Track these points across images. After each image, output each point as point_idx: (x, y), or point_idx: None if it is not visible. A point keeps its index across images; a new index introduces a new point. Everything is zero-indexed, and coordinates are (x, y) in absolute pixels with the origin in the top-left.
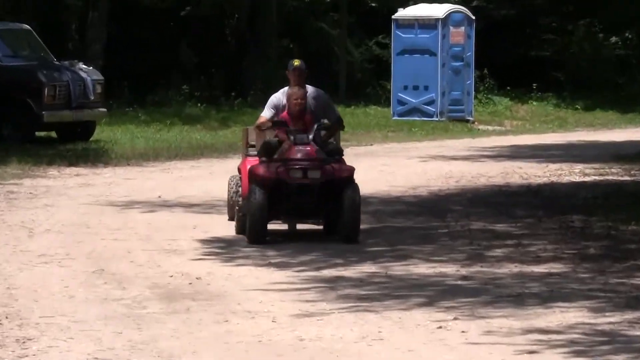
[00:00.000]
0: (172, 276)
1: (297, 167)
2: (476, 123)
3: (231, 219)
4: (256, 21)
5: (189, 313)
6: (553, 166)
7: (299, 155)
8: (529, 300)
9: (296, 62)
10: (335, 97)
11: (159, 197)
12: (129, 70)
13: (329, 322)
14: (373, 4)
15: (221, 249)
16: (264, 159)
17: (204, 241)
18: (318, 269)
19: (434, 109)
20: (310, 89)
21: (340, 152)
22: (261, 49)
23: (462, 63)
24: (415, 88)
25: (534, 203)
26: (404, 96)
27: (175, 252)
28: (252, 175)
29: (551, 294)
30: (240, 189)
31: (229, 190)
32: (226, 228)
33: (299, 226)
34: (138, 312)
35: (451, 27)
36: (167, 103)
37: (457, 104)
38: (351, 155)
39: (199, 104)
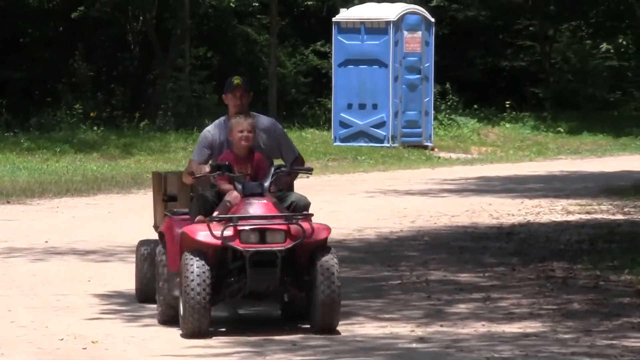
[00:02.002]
0: (62, 339)
1: (251, 228)
2: (436, 150)
3: (143, 300)
4: (165, 25)
5: None
6: (530, 202)
7: (252, 212)
8: None
9: (237, 80)
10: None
11: (46, 242)
12: (8, 86)
13: None
14: (309, 2)
15: (122, 305)
16: (200, 217)
17: (102, 296)
18: (242, 330)
19: (384, 133)
20: (258, 117)
21: (306, 206)
22: (171, 59)
23: (419, 76)
24: (362, 107)
25: (506, 248)
26: (347, 117)
27: (67, 310)
28: (187, 241)
29: (526, 358)
30: (164, 261)
31: (139, 262)
32: (128, 280)
33: None
34: None
35: (405, 32)
36: (55, 126)
37: (413, 127)
38: None
39: (96, 127)
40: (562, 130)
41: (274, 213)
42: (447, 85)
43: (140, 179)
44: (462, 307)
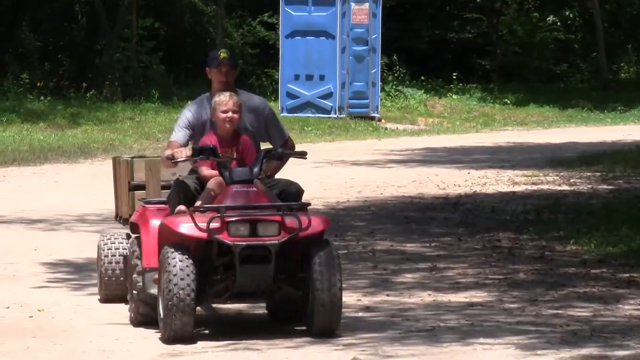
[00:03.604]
0: (8, 308)
1: (240, 219)
2: (383, 121)
3: (108, 300)
4: None
5: (28, 353)
6: (476, 173)
7: (240, 201)
8: (444, 335)
9: (223, 54)
10: (210, 89)
11: None
12: None
13: None
14: None
15: (69, 274)
16: (181, 208)
17: (48, 265)
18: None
19: (331, 104)
20: (244, 95)
21: (299, 194)
22: (118, 30)
23: (366, 47)
24: (309, 78)
25: (452, 218)
26: (294, 88)
27: (13, 279)
28: (167, 234)
29: (472, 327)
30: (137, 256)
31: (101, 258)
32: (75, 249)
33: None
34: None
35: (353, 4)
36: (2, 96)
37: (360, 98)
38: None
39: (43, 97)
40: (508, 101)
41: (266, 202)
42: (394, 57)
43: (87, 149)
44: (408, 277)
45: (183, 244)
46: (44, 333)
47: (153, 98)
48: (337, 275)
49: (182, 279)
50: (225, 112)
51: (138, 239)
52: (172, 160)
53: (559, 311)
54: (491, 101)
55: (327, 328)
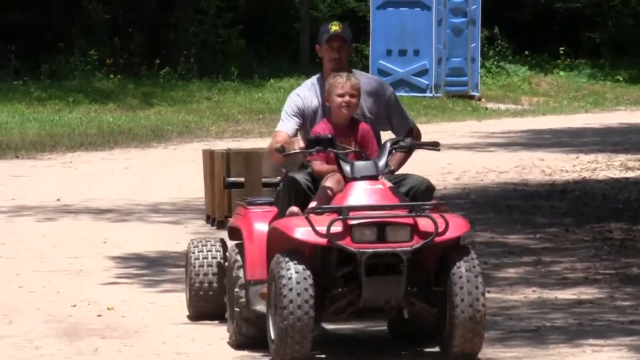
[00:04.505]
0: (75, 306)
1: (366, 222)
2: (483, 100)
3: (199, 316)
4: None
5: (97, 355)
6: (585, 158)
7: (364, 201)
8: (550, 336)
9: (334, 26)
10: (296, 67)
11: (58, 200)
12: (15, 30)
13: None
14: None
15: (141, 269)
16: (295, 209)
17: (118, 259)
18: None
19: (427, 82)
20: (360, 76)
21: (430, 191)
22: (194, 1)
23: (464, 19)
24: (402, 53)
25: (559, 207)
26: (386, 64)
27: (80, 274)
28: (279, 240)
29: (580, 327)
30: (239, 266)
31: (191, 268)
32: (148, 242)
33: None
34: (29, 353)
35: None
36: (68, 74)
37: (458, 75)
38: None
39: (112, 75)
40: (621, 78)
41: (394, 202)
42: (496, 30)
43: (161, 132)
44: (511, 272)
45: (299, 251)
46: (113, 333)
47: (232, 76)
48: (481, 289)
49: (299, 294)
50: (341, 95)
51: (240, 246)
52: (282, 153)
53: None
54: (602, 78)
55: (467, 350)
